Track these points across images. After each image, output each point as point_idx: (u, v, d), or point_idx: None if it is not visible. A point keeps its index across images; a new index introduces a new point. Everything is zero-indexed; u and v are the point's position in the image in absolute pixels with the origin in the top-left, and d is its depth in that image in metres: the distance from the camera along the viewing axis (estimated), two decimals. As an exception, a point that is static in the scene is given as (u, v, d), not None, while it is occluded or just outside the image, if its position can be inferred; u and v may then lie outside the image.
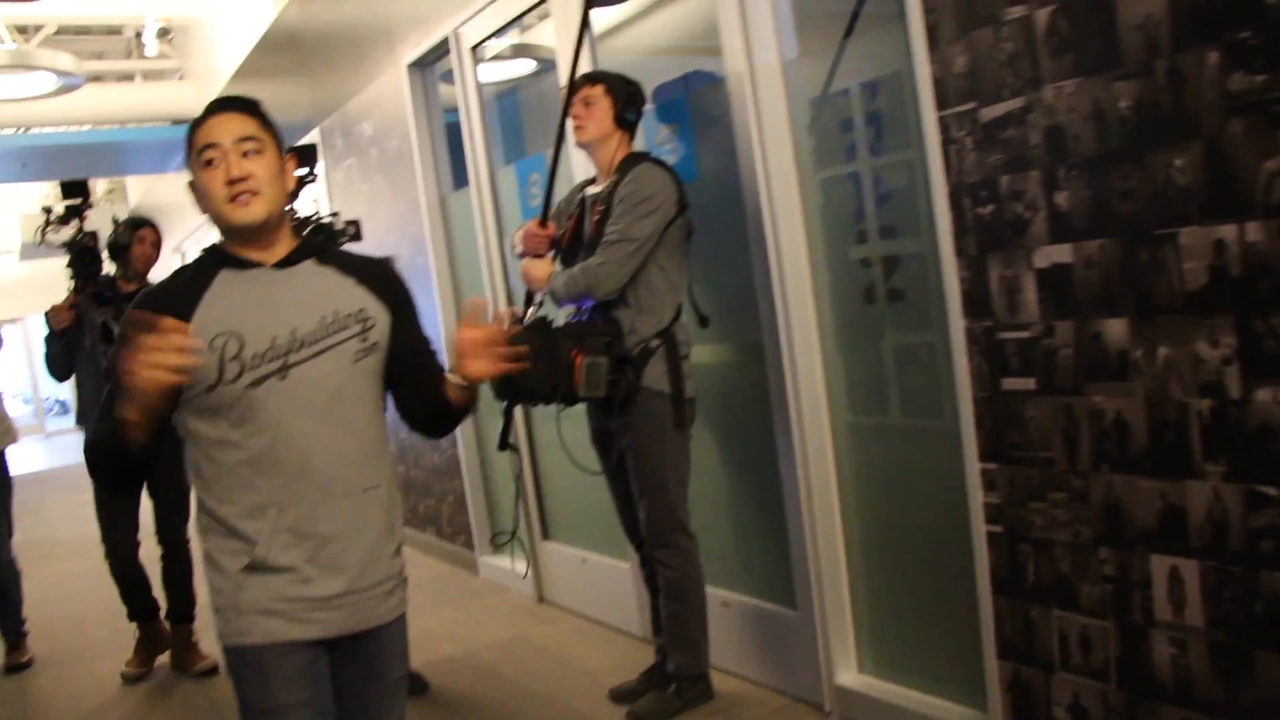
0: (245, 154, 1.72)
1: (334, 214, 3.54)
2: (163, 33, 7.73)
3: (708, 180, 3.23)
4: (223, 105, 1.76)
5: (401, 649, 1.90)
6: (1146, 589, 2.09)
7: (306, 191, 3.54)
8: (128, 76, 10.16)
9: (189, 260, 1.85)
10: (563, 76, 3.60)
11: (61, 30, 9.21)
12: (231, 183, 1.71)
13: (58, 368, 3.94)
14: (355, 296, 1.81)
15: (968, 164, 2.29)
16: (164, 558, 4.00)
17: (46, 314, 3.87)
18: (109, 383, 1.67)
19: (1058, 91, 2.09)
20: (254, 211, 1.72)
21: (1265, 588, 1.89)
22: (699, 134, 3.25)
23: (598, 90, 2.99)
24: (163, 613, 4.08)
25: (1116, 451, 2.11)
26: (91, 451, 1.76)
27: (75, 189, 3.98)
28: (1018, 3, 2.13)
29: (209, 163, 1.72)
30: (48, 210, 4.01)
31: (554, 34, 3.73)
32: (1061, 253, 2.14)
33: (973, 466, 2.41)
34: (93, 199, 4.02)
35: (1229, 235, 1.86)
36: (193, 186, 1.76)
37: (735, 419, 3.33)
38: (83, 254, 3.89)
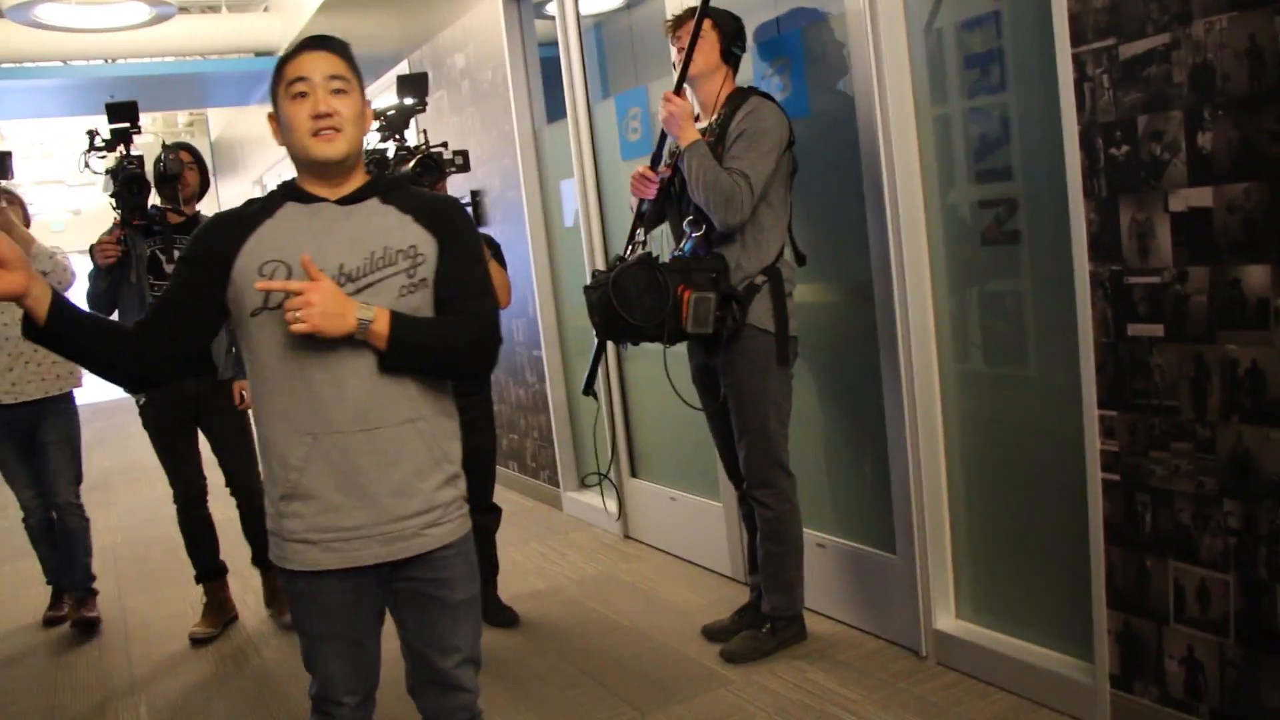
0: (334, 91, 1.76)
1: (443, 143, 3.49)
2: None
3: (819, 117, 3.17)
4: (316, 43, 1.80)
5: (462, 573, 1.90)
6: (1275, 544, 2.05)
7: (416, 121, 3.51)
8: (213, 8, 10.23)
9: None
10: (670, 8, 3.55)
11: (149, -39, 9.28)
12: (318, 117, 1.75)
13: (102, 305, 3.67)
14: (410, 234, 1.82)
15: (1102, 103, 2.22)
16: (240, 506, 3.84)
17: (91, 248, 3.62)
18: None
19: (1209, 26, 2.01)
20: (336, 148, 1.77)
21: (1407, 545, 1.84)
22: (811, 69, 3.19)
23: (705, 24, 2.94)
24: (251, 559, 3.98)
25: (1249, 402, 2.06)
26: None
27: (123, 111, 3.61)
28: (1170, -67, 2.05)
29: (298, 95, 1.76)
30: (92, 134, 3.66)
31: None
32: (1201, 196, 2.08)
33: (1091, 413, 2.37)
34: (140, 124, 3.68)
35: (1389, 180, 1.78)
36: (274, 118, 1.82)
37: (841, 359, 3.30)
38: (130, 182, 3.57)
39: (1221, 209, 2.04)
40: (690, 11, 2.97)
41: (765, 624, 3.14)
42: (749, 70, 3.32)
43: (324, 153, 1.76)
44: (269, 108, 1.82)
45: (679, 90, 2.91)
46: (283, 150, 1.81)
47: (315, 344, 1.72)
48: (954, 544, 2.97)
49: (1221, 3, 1.98)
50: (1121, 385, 2.30)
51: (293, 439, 1.77)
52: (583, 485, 5.12)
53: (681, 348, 3.12)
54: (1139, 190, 2.19)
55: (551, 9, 4.53)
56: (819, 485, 3.41)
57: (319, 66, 1.76)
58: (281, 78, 1.77)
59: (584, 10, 4.45)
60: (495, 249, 3.48)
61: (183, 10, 8.31)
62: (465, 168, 3.37)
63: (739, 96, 2.93)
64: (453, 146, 4.80)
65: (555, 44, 4.52)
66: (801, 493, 3.09)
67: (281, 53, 1.83)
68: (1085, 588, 2.46)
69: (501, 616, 3.65)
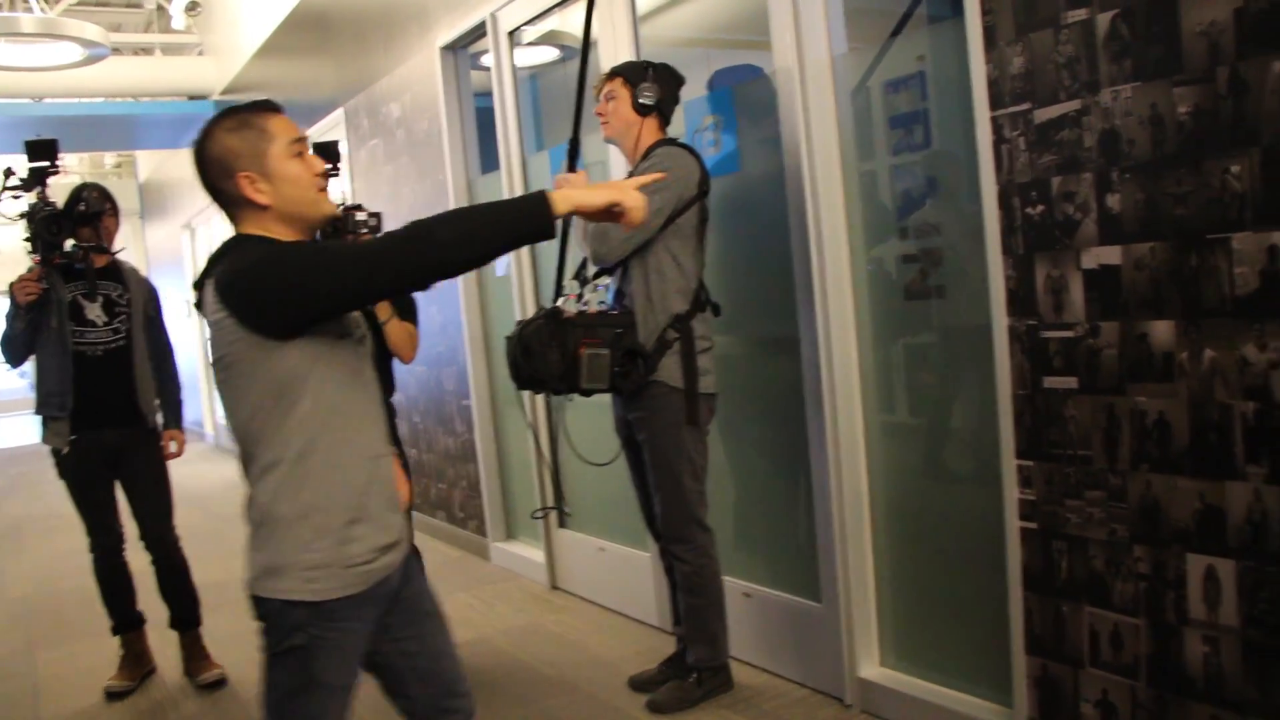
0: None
1: (356, 206, 3.38)
2: (191, 6, 7.72)
3: (750, 173, 3.26)
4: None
5: (426, 582, 2.05)
6: (1181, 588, 2.13)
7: (332, 186, 3.45)
8: (146, 50, 10.17)
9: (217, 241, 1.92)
10: (605, 62, 3.63)
11: (82, 1, 9.22)
12: (319, 176, 1.82)
13: (16, 348, 3.52)
14: None
15: (1019, 164, 2.33)
16: (156, 563, 3.70)
17: (11, 286, 3.40)
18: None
19: (1115, 95, 2.12)
20: (332, 205, 1.88)
21: (1304, 589, 1.92)
22: (742, 127, 3.28)
23: (616, 83, 3.02)
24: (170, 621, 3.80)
25: (1157, 451, 2.14)
26: None
27: (43, 150, 3.44)
28: (1078, 6, 2.16)
29: (300, 154, 1.80)
30: (8, 172, 3.46)
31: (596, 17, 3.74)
32: (1110, 254, 2.18)
33: (1010, 463, 2.44)
34: (61, 163, 3.51)
35: (1282, 242, 1.89)
36: (250, 175, 1.77)
37: (767, 410, 3.35)
38: (49, 222, 3.41)
39: (1130, 267, 2.14)
40: (616, 69, 3.05)
41: (691, 674, 3.15)
42: (681, 127, 3.39)
43: (330, 209, 1.86)
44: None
45: (572, 161, 3.01)
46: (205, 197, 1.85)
47: (369, 370, 1.86)
48: (878, 592, 3.02)
49: (1126, 73, 2.10)
50: (1038, 436, 2.38)
51: (358, 464, 1.80)
52: (510, 537, 5.10)
53: (607, 398, 3.14)
54: (1053, 248, 2.28)
55: (488, 60, 4.59)
56: (745, 535, 3.45)
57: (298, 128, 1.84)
58: (271, 136, 1.78)
59: (519, 62, 4.52)
60: (407, 303, 3.46)
61: (116, 51, 8.26)
62: (376, 230, 3.29)
63: (656, 145, 3.01)
64: (386, 195, 4.80)
65: (490, 95, 4.58)
66: (728, 542, 3.13)
67: (238, 109, 1.83)
68: (1004, 634, 2.52)
69: None
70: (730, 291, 3.14)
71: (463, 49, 4.96)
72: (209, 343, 1.78)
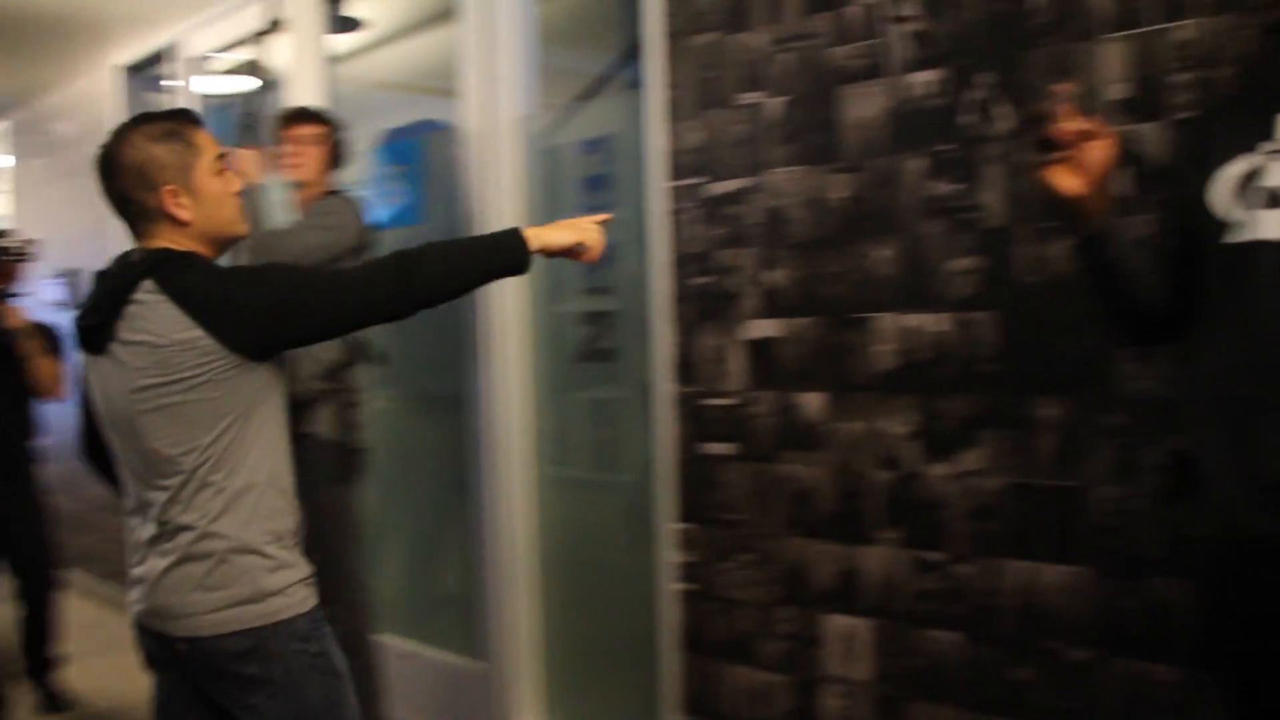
0: None
1: (3, 231, 3.02)
2: None
3: (435, 225, 3.20)
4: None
5: None
6: (821, 646, 2.24)
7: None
8: None
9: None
10: (291, 92, 3.47)
11: None
12: (237, 195, 1.78)
13: None
14: None
15: (690, 235, 2.41)
16: (28, 599, 3.59)
17: None
18: None
19: (781, 176, 2.25)
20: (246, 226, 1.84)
21: (925, 645, 2.07)
22: (429, 178, 3.23)
23: (322, 132, 2.89)
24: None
25: (804, 517, 2.26)
26: None
27: None
28: (752, 90, 2.29)
29: (222, 171, 1.74)
30: None
31: (287, 53, 3.59)
32: (769, 327, 2.29)
33: (668, 526, 2.50)
34: None
35: (918, 324, 2.06)
36: (176, 190, 1.69)
37: (432, 467, 3.27)
38: None
39: (786, 340, 2.27)
40: (300, 113, 2.91)
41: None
42: (365, 173, 3.29)
43: (244, 230, 1.82)
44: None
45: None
46: None
47: None
48: (544, 651, 2.99)
49: (791, 156, 2.24)
50: (696, 500, 2.45)
51: (292, 488, 1.79)
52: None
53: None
54: (717, 318, 2.38)
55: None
56: (409, 593, 3.33)
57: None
58: (199, 150, 1.71)
59: (216, 90, 4.25)
60: (51, 338, 3.13)
61: None
62: (23, 257, 2.94)
63: (324, 196, 2.89)
64: (50, 218, 4.34)
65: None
66: (389, 603, 3.00)
67: (158, 116, 1.73)
68: (660, 693, 2.55)
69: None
70: (408, 346, 3.06)
71: (143, 71, 4.62)
72: (156, 366, 1.63)
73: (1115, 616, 1.84)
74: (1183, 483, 1.73)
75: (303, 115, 2.91)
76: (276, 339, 1.68)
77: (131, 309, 1.64)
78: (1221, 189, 1.35)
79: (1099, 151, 1.45)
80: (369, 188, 3.23)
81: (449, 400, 3.08)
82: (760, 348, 2.31)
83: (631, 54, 2.59)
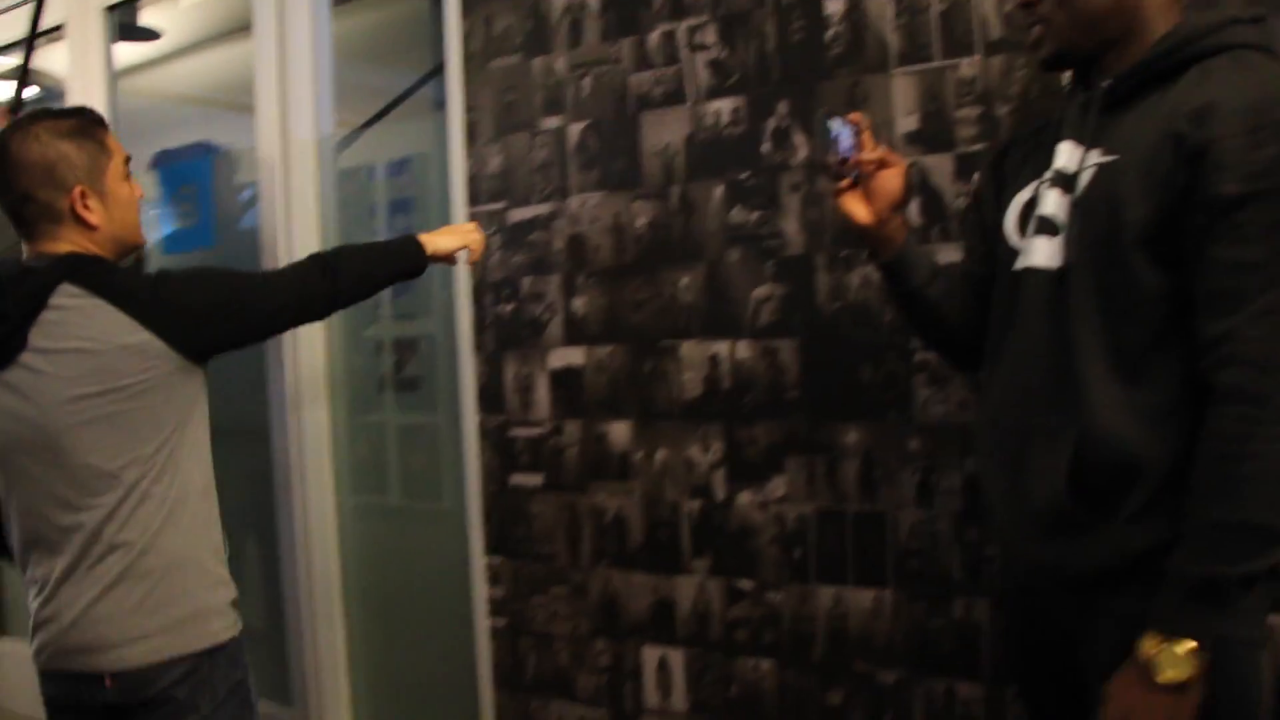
0: None
1: None
2: None
3: (225, 248, 3.01)
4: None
5: None
6: (638, 678, 2.20)
7: None
8: None
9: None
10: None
11: None
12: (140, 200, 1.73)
13: None
14: None
15: (492, 262, 2.34)
16: None
17: None
18: None
19: (583, 202, 2.21)
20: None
21: (739, 673, 2.07)
22: (220, 199, 3.04)
23: None
24: None
25: (615, 548, 2.22)
26: None
27: None
28: (552, 114, 2.24)
29: (129, 176, 1.69)
30: None
31: (67, 61, 3.31)
32: (574, 355, 2.25)
33: (478, 560, 2.42)
34: None
35: (722, 351, 2.05)
36: (88, 194, 1.62)
37: (234, 503, 3.07)
38: None
39: (591, 368, 2.22)
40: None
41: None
42: (154, 192, 3.08)
43: (144, 238, 1.76)
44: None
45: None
46: None
47: None
48: (352, 690, 2.85)
49: (592, 182, 2.19)
50: (506, 532, 2.38)
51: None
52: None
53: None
54: (522, 347, 2.32)
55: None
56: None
57: None
58: (110, 152, 1.66)
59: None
60: None
61: None
62: None
63: None
64: None
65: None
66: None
67: (65, 113, 1.66)
68: (477, 733, 2.47)
69: None
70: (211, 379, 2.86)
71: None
72: (94, 373, 1.55)
73: (922, 637, 1.88)
74: (977, 506, 1.79)
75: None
76: (220, 340, 1.68)
77: (51, 315, 1.54)
78: (1010, 217, 1.38)
79: (892, 180, 1.47)
80: (150, 208, 3.01)
81: (255, 433, 2.91)
82: (566, 376, 2.26)
83: (437, 73, 2.50)
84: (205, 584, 1.66)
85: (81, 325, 1.55)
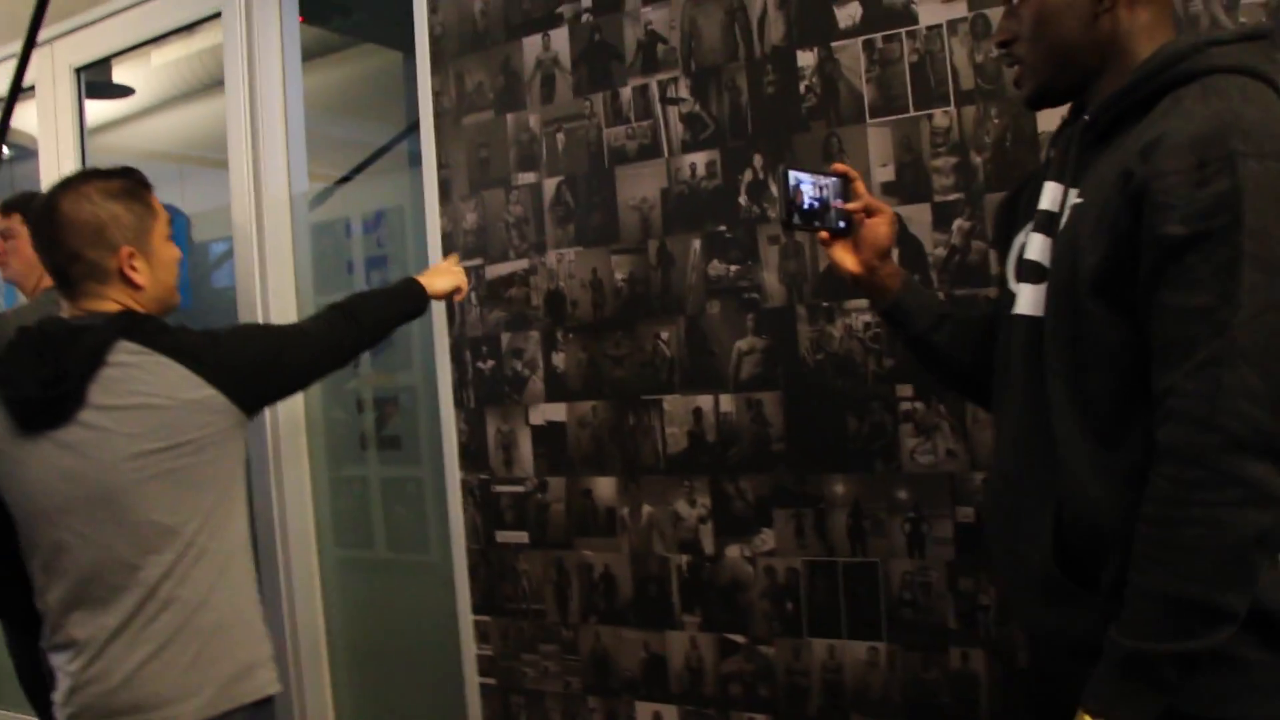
0: None
1: None
2: None
3: (201, 308, 2.99)
4: None
5: None
6: (630, 736, 2.18)
7: None
8: None
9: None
10: (44, 163, 3.18)
11: None
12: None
13: None
14: None
15: (471, 318, 2.32)
16: None
17: None
18: None
19: (560, 258, 2.20)
20: None
21: (734, 730, 2.04)
22: (194, 259, 3.02)
23: (14, 220, 2.62)
24: None
25: (604, 604, 2.19)
26: None
27: None
28: (528, 170, 2.23)
29: (170, 237, 1.73)
30: None
31: (37, 118, 3.28)
32: (556, 411, 2.23)
33: (466, 619, 2.39)
34: None
35: (706, 405, 2.04)
36: (137, 255, 1.65)
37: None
38: None
39: (574, 424, 2.20)
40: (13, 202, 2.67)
41: None
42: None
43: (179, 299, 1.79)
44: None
45: None
46: None
47: None
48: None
49: (569, 238, 2.18)
50: (492, 590, 2.35)
51: None
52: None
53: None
54: (503, 403, 2.29)
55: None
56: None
57: None
58: (155, 213, 1.70)
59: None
60: None
61: None
62: None
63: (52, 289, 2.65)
64: None
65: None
66: None
67: (113, 174, 1.69)
68: (467, 795, 2.43)
69: None
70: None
71: None
72: (161, 429, 1.56)
73: (918, 688, 1.86)
74: (969, 554, 1.77)
75: (14, 205, 2.64)
76: (271, 393, 1.77)
77: (111, 371, 1.54)
78: (1011, 259, 1.34)
79: (879, 228, 1.45)
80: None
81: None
82: (549, 432, 2.24)
83: (413, 130, 2.49)
84: (253, 638, 1.69)
85: (146, 381, 1.56)
